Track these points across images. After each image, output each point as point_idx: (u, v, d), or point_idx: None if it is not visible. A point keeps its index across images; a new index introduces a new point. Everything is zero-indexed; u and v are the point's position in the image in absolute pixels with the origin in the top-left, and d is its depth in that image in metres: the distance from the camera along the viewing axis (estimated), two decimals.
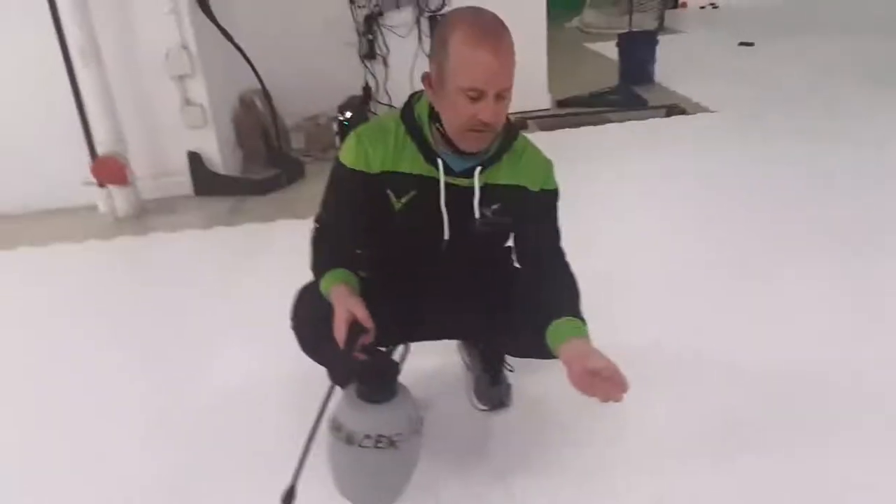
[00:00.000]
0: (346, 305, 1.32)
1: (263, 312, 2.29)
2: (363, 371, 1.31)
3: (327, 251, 1.48)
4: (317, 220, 1.53)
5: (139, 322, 2.37)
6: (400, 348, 1.37)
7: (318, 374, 1.54)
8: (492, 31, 1.30)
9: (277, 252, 2.77)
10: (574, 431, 1.69)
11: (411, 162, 1.44)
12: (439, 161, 1.43)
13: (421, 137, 1.43)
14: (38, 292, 2.67)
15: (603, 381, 1.22)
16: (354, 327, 1.29)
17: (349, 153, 1.44)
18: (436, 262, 1.53)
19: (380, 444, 1.26)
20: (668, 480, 1.54)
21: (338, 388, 1.36)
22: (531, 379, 1.84)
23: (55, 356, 2.20)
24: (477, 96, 1.30)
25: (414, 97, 1.48)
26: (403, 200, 1.46)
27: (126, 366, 2.12)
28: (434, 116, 1.42)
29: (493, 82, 1.30)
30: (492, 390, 1.79)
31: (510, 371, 1.84)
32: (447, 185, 1.44)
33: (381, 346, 1.35)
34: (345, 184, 1.46)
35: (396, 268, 1.55)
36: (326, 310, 1.35)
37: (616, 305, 2.08)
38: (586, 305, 1.45)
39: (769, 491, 1.49)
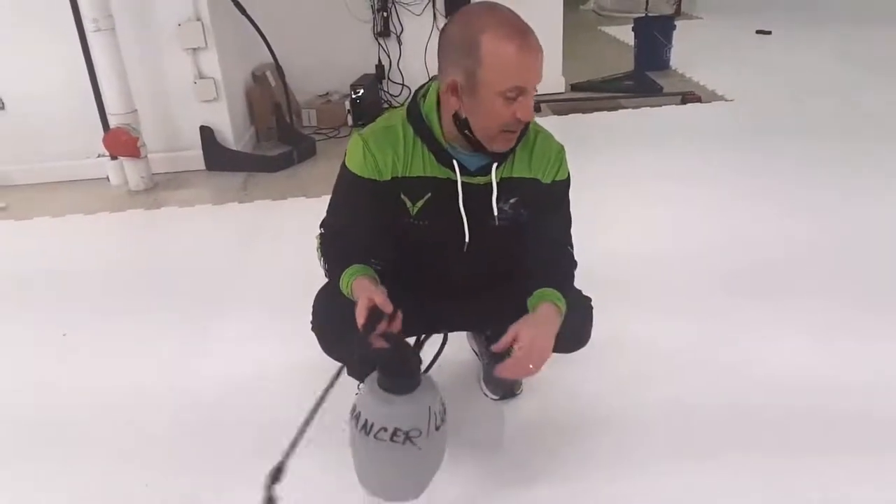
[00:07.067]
0: (368, 294, 1.29)
1: (275, 290, 2.32)
2: (382, 360, 1.26)
3: (341, 255, 1.44)
4: (323, 226, 1.50)
5: (149, 296, 2.38)
6: (438, 339, 1.32)
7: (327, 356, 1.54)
8: (522, 25, 1.26)
9: (288, 230, 2.77)
10: (585, 422, 1.69)
11: (423, 164, 1.40)
12: (454, 162, 1.39)
13: (431, 139, 1.38)
14: (52, 263, 2.69)
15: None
16: (374, 312, 1.26)
17: (356, 161, 1.39)
18: (458, 263, 1.50)
19: (395, 439, 1.21)
20: (686, 470, 1.54)
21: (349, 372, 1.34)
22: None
23: (63, 328, 2.20)
24: (516, 95, 1.27)
25: (419, 94, 1.42)
26: (419, 204, 1.42)
27: (131, 340, 2.13)
28: (445, 120, 1.36)
29: (534, 78, 1.28)
30: (500, 378, 1.78)
31: None
32: (463, 184, 1.41)
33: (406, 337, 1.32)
34: (355, 191, 1.41)
35: (417, 270, 1.52)
36: (346, 309, 1.32)
37: (616, 295, 2.05)
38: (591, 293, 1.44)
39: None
